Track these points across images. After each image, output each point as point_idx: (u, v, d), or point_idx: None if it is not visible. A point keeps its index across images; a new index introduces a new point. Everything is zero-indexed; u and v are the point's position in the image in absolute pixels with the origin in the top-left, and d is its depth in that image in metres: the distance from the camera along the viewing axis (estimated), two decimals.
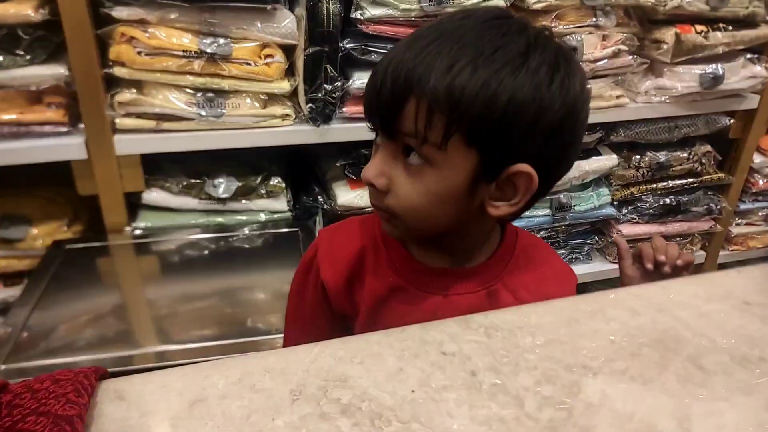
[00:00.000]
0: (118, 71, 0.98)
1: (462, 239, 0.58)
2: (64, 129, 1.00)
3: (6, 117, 0.97)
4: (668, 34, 1.26)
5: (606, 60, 1.24)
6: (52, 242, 1.06)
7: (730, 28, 1.29)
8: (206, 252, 1.07)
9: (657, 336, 0.40)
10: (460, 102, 0.46)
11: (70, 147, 0.99)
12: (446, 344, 0.39)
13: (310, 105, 1.09)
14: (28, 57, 0.96)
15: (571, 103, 0.49)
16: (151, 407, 0.33)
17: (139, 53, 0.98)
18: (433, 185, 0.51)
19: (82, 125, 1.00)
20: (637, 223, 1.50)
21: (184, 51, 0.99)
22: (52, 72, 0.95)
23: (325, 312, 0.64)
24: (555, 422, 0.33)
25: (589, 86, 0.54)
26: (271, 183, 1.17)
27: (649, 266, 0.67)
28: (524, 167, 0.50)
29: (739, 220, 1.65)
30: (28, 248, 1.10)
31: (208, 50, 0.99)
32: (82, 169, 1.02)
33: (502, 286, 0.60)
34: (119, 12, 0.96)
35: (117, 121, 1.01)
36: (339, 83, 1.09)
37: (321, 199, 1.21)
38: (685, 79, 1.30)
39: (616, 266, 1.50)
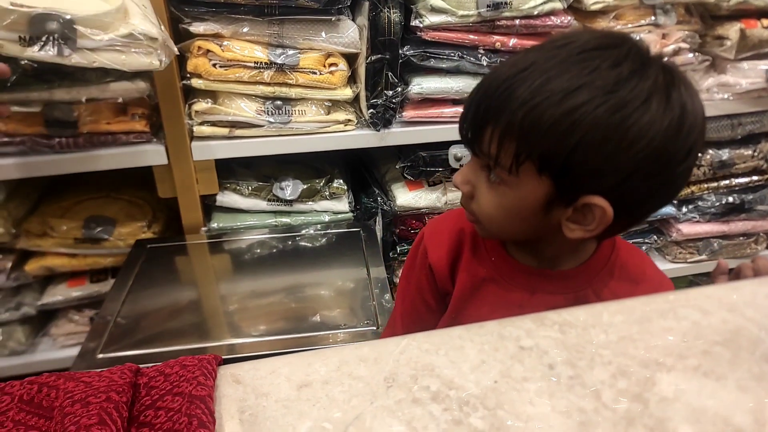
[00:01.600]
0: (195, 83, 1.05)
1: (546, 247, 0.61)
2: (147, 137, 1.07)
3: (95, 127, 1.05)
4: (732, 30, 1.23)
5: (666, 58, 1.22)
6: (135, 241, 1.14)
7: None
8: (274, 250, 1.13)
9: (728, 335, 0.42)
10: (531, 134, 0.49)
11: (152, 153, 1.07)
12: (523, 339, 0.42)
13: (371, 110, 1.13)
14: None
15: (660, 142, 0.48)
16: (265, 390, 0.38)
17: (214, 65, 1.04)
18: (506, 202, 0.55)
19: (162, 133, 1.08)
20: (698, 222, 1.47)
21: (255, 62, 1.05)
22: (137, 86, 1.02)
23: (431, 290, 0.71)
24: (632, 413, 0.36)
25: (695, 122, 0.50)
26: (334, 185, 1.22)
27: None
28: (598, 200, 0.50)
29: None
30: (113, 247, 1.18)
31: (278, 61, 1.05)
32: (162, 174, 1.10)
33: (591, 293, 0.63)
34: (196, 27, 1.03)
35: (194, 128, 1.08)
36: (399, 89, 1.13)
37: (380, 200, 1.26)
38: (749, 75, 1.27)
39: (676, 266, 1.49)
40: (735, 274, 0.66)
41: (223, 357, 0.41)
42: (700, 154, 1.40)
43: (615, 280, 0.64)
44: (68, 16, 0.71)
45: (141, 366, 0.40)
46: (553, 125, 0.48)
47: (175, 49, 0.92)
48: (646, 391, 0.37)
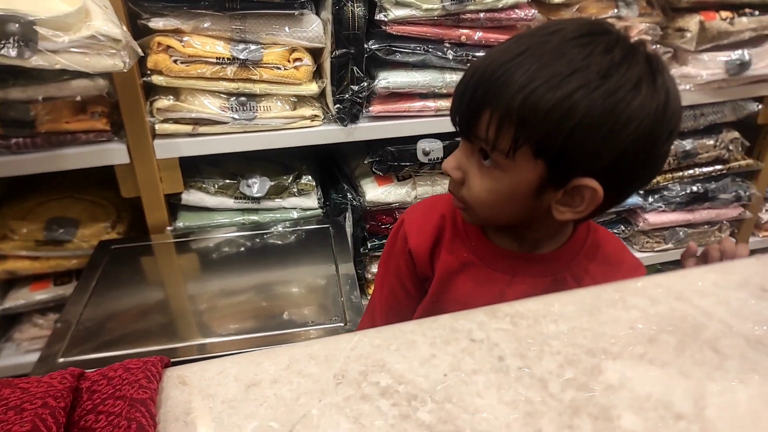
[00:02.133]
0: (155, 79, 1.03)
1: (530, 230, 0.63)
2: (108, 136, 1.05)
3: (54, 127, 1.03)
4: (692, 22, 1.25)
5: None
6: (98, 243, 1.12)
7: (757, 12, 1.28)
8: (242, 249, 1.12)
9: (675, 322, 0.43)
10: (529, 119, 0.50)
11: (113, 152, 1.05)
12: (475, 332, 0.42)
13: (337, 105, 1.13)
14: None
15: (650, 122, 0.50)
16: (211, 391, 0.37)
17: (175, 61, 1.03)
18: (500, 186, 0.55)
19: (123, 131, 1.06)
20: (663, 211, 1.50)
21: (217, 58, 1.03)
22: (96, 83, 1.00)
23: (410, 276, 0.72)
24: (577, 402, 0.36)
25: (676, 106, 0.53)
26: (302, 181, 1.21)
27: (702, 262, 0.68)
28: (590, 182, 0.52)
29: None
30: (76, 249, 1.16)
31: (240, 56, 1.03)
32: (124, 173, 1.08)
33: (569, 275, 0.65)
34: (155, 23, 1.01)
35: (156, 126, 1.06)
36: (365, 83, 1.12)
37: (350, 196, 1.25)
38: (710, 66, 1.30)
39: (644, 254, 1.51)
40: (702, 257, 0.68)
41: (184, 358, 0.40)
42: None
43: (592, 262, 0.66)
44: (29, 18, 0.69)
45: (87, 371, 0.39)
46: (551, 109, 0.49)
47: (139, 50, 0.90)
48: (592, 379, 0.38)
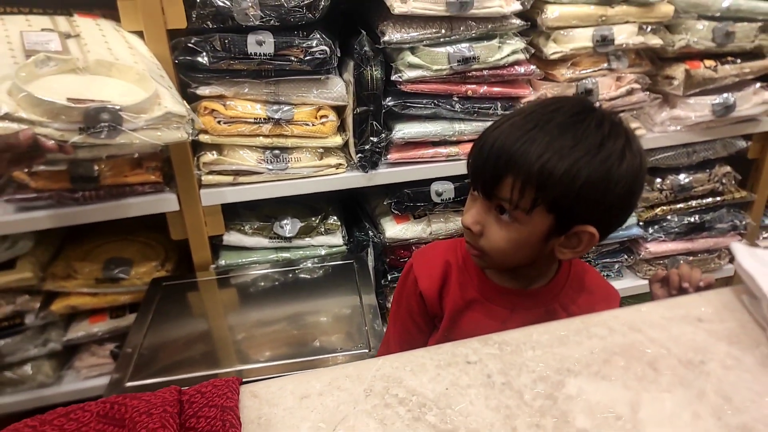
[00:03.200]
0: (202, 138, 1.19)
1: (531, 269, 0.76)
2: (160, 187, 1.21)
3: (115, 180, 1.19)
4: (678, 71, 1.38)
5: (621, 98, 1.37)
6: (151, 280, 1.27)
7: (739, 60, 1.40)
8: (276, 283, 1.26)
9: (626, 347, 0.55)
10: (547, 182, 0.63)
11: (166, 201, 1.21)
12: (470, 356, 0.55)
13: (359, 155, 1.27)
14: None
15: (631, 181, 0.65)
16: (275, 401, 0.51)
17: (218, 122, 1.19)
18: (516, 236, 0.68)
19: (174, 183, 1.22)
20: (663, 241, 1.60)
21: (255, 118, 1.19)
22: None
23: (420, 313, 0.84)
24: (544, 408, 0.49)
25: (645, 164, 0.69)
26: (329, 222, 1.36)
27: (674, 292, 0.80)
28: (589, 228, 0.66)
29: (766, 234, 1.72)
30: (130, 285, 1.31)
31: (275, 116, 1.19)
32: (175, 219, 1.24)
33: (558, 305, 0.78)
34: (202, 90, 1.17)
35: (202, 178, 1.22)
36: (383, 135, 1.27)
37: (371, 234, 1.39)
38: (697, 109, 1.42)
39: (646, 281, 1.61)
40: (665, 280, 0.81)
41: (252, 378, 0.53)
42: (660, 179, 1.55)
43: (576, 292, 0.80)
44: (117, 107, 0.85)
45: (183, 388, 0.53)
46: (563, 175, 0.62)
47: (199, 122, 1.06)
48: (556, 391, 0.50)
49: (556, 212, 0.65)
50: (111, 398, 0.49)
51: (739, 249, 0.63)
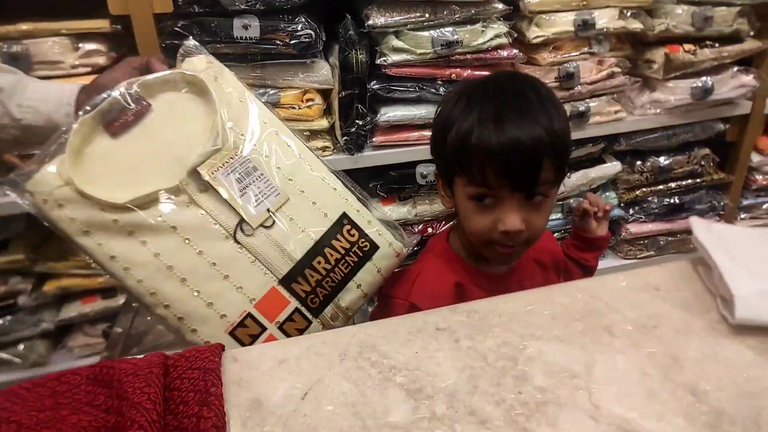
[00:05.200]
0: None
1: None
2: None
3: None
4: (658, 55, 1.41)
5: (602, 81, 1.40)
6: None
7: (717, 44, 1.43)
8: None
9: (585, 314, 0.59)
10: (561, 146, 0.70)
11: None
12: (440, 323, 0.58)
13: (345, 137, 1.30)
14: None
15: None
16: (255, 365, 0.54)
17: None
18: (550, 209, 0.74)
19: None
20: (644, 222, 1.64)
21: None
22: None
23: None
24: (506, 369, 0.52)
25: None
26: None
27: (579, 218, 0.94)
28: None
29: (744, 215, 1.77)
30: None
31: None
32: None
33: (523, 275, 0.84)
34: None
35: None
36: (369, 118, 1.29)
37: None
38: (677, 92, 1.45)
39: (628, 261, 1.65)
40: (578, 209, 0.93)
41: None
42: (640, 162, 1.58)
43: (529, 267, 0.84)
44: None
45: (168, 353, 0.56)
46: (564, 132, 0.71)
47: None
48: (518, 353, 0.54)
49: (559, 171, 0.71)
50: (100, 363, 0.52)
51: (696, 223, 0.66)
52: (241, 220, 0.67)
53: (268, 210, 0.69)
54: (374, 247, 0.74)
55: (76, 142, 0.65)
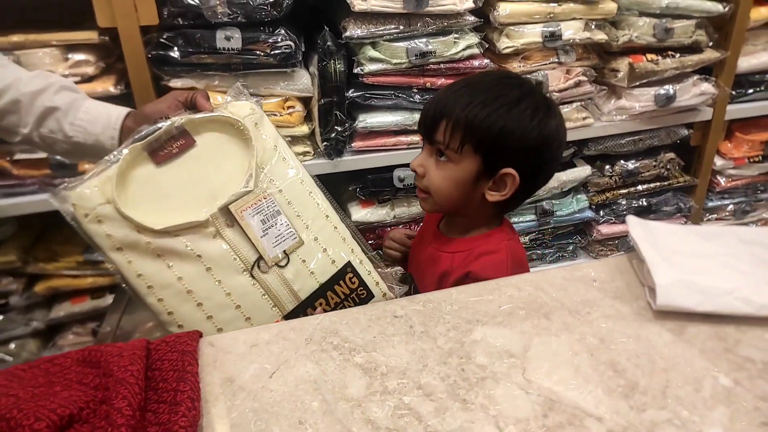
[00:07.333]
0: None
1: (467, 218, 0.89)
2: None
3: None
4: (623, 64, 1.48)
5: (570, 89, 1.47)
6: None
7: (678, 54, 1.51)
8: None
9: (528, 302, 0.65)
10: (471, 125, 0.78)
11: None
12: (398, 311, 0.65)
13: (325, 143, 1.36)
14: None
15: (545, 135, 0.80)
16: (228, 349, 0.60)
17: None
18: (451, 174, 0.83)
19: None
20: (614, 223, 1.72)
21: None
22: None
23: None
24: (453, 350, 0.59)
25: (563, 127, 0.84)
26: None
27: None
28: (511, 170, 0.80)
29: (710, 216, 1.85)
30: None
31: None
32: None
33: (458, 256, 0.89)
34: (174, 83, 1.25)
35: None
36: (347, 124, 1.36)
37: None
38: (641, 99, 1.53)
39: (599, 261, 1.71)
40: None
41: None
42: (609, 166, 1.66)
43: (468, 256, 0.89)
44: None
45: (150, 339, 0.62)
46: (484, 119, 0.78)
47: None
48: (464, 337, 0.60)
49: (482, 155, 0.80)
50: (89, 347, 0.58)
51: (632, 221, 0.73)
52: (260, 258, 0.74)
53: (285, 252, 0.75)
54: (370, 296, 0.82)
55: (124, 165, 0.70)
